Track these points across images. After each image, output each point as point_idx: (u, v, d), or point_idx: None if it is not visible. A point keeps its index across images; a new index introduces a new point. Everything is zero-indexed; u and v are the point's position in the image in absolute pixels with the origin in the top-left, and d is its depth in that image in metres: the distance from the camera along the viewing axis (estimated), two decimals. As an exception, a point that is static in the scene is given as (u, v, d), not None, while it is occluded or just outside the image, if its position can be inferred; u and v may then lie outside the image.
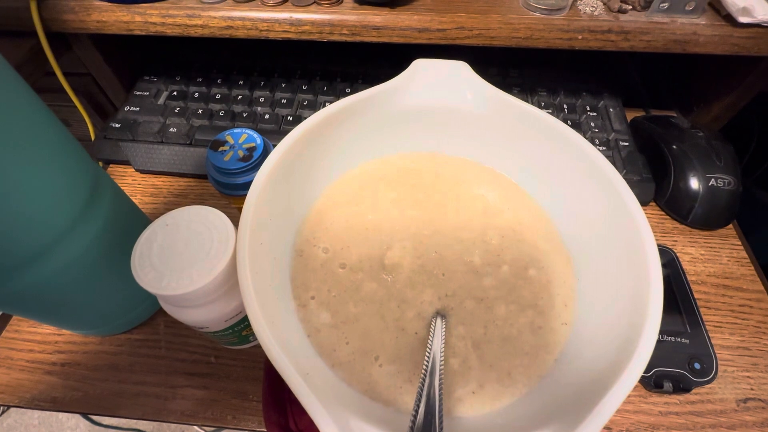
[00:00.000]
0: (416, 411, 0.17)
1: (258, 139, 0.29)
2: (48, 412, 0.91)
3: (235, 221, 0.21)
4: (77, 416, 0.86)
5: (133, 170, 0.39)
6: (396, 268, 0.24)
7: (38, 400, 0.27)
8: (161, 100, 0.41)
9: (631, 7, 0.33)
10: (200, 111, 0.39)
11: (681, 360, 0.27)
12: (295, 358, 0.18)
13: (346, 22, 0.33)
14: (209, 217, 0.21)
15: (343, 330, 0.23)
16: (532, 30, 0.33)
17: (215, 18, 0.33)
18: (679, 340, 0.28)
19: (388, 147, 0.29)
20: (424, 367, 0.19)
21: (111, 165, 0.39)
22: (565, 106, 0.41)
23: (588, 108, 0.40)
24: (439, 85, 0.27)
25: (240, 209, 0.21)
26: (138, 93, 0.41)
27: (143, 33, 0.34)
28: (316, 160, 0.26)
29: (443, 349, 0.20)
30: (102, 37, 0.37)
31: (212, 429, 0.68)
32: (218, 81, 0.42)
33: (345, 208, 0.27)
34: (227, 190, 0.29)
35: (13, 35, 0.35)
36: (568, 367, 0.21)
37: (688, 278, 0.32)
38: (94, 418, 0.66)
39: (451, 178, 0.29)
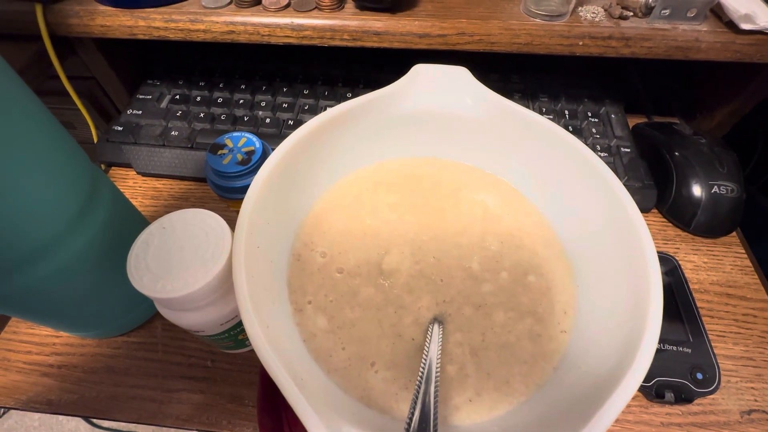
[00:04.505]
0: (410, 419, 0.17)
1: (257, 143, 0.29)
2: (48, 414, 0.91)
3: (234, 225, 0.20)
4: (77, 419, 0.86)
5: (135, 173, 0.39)
6: (394, 274, 0.24)
7: (34, 402, 0.27)
8: (164, 104, 0.41)
9: (632, 13, 0.33)
10: (202, 114, 0.39)
11: (683, 370, 0.27)
12: (290, 364, 0.17)
13: (347, 28, 0.33)
14: (206, 221, 0.21)
15: (339, 335, 0.22)
16: (532, 36, 0.33)
17: (217, 23, 0.34)
18: (681, 349, 0.28)
19: (387, 152, 0.29)
20: (420, 373, 0.19)
21: (113, 168, 0.40)
22: (566, 112, 0.40)
23: (589, 114, 0.40)
24: (439, 90, 0.27)
25: (238, 212, 0.20)
26: (141, 96, 0.41)
27: (146, 37, 0.35)
28: (315, 164, 0.26)
29: (440, 356, 0.20)
30: (106, 42, 0.37)
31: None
32: (220, 85, 0.42)
33: (343, 213, 0.27)
34: (226, 194, 0.29)
35: (18, 39, 0.35)
36: (566, 375, 0.21)
37: (691, 286, 0.31)
38: (94, 420, 0.66)
39: (451, 184, 0.29)
